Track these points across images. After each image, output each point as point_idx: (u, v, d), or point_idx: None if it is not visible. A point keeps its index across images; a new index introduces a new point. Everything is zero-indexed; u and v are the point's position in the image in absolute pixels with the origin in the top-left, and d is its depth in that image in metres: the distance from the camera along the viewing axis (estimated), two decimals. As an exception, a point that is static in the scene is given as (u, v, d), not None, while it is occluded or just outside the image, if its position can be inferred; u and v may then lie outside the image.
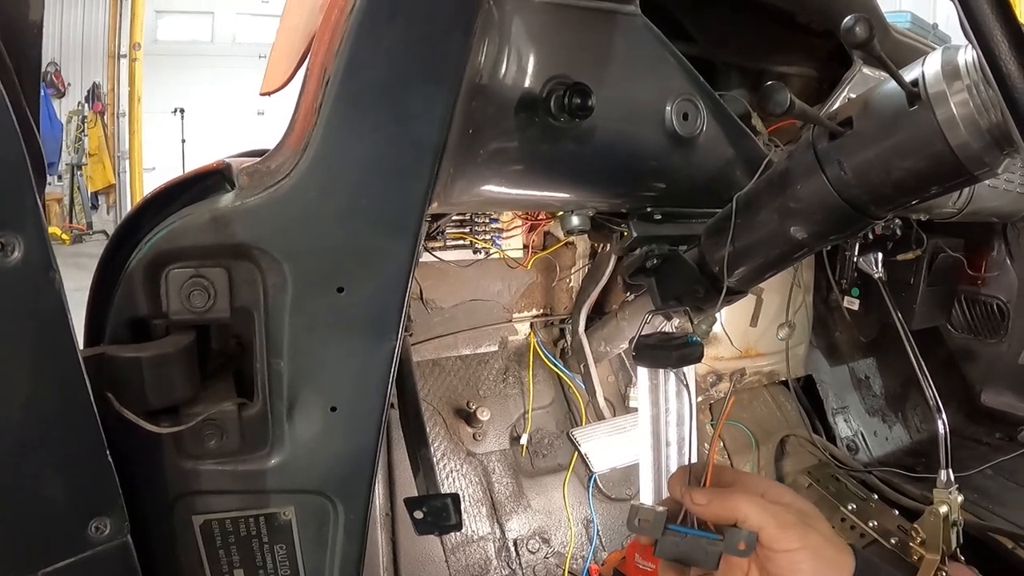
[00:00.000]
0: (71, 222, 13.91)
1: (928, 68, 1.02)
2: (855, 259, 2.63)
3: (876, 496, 2.51)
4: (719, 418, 2.54)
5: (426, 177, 1.03)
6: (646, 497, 1.36)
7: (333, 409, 1.11)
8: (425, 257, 2.12)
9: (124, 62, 13.74)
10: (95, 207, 14.60)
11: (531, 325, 2.55)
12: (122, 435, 0.95)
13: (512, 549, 2.30)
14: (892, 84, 1.05)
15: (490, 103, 1.22)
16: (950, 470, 2.06)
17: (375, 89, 0.99)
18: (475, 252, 2.25)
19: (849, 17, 0.93)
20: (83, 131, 14.11)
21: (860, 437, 3.05)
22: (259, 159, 1.06)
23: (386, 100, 1.00)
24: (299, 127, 1.03)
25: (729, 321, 2.58)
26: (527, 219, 2.26)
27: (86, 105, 14.20)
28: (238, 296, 1.04)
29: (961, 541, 2.04)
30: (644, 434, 1.34)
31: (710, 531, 1.04)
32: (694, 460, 1.25)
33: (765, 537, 0.97)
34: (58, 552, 0.90)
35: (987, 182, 2.11)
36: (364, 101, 0.99)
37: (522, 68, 1.24)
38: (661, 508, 1.09)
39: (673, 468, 1.30)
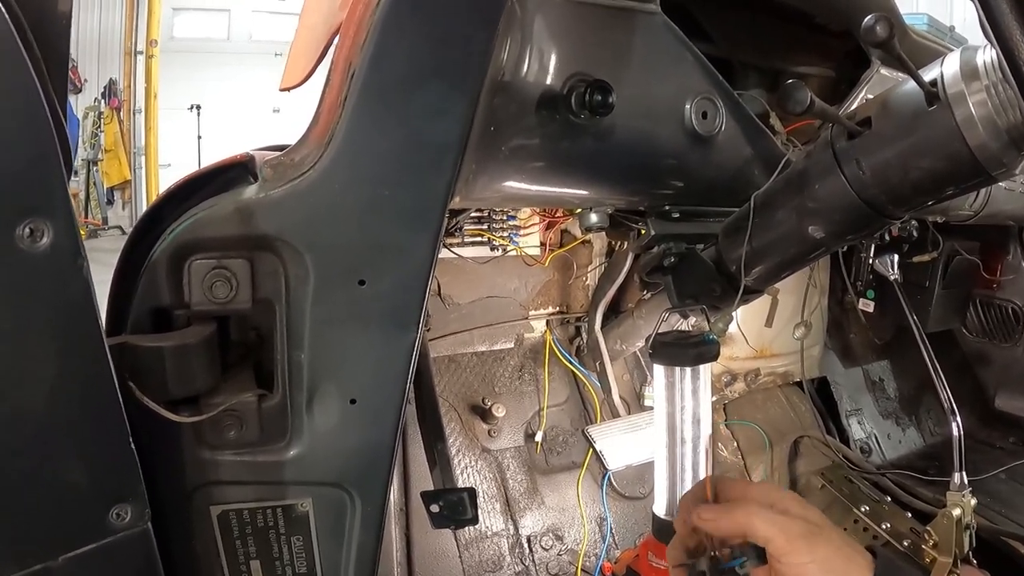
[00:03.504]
0: (87, 217, 13.96)
1: (947, 68, 1.02)
2: (871, 261, 2.63)
3: (889, 498, 2.50)
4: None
5: (448, 172, 1.04)
6: (660, 496, 1.36)
7: (352, 402, 1.11)
8: (443, 253, 2.11)
9: (141, 59, 13.80)
10: (111, 202, 14.68)
11: (547, 323, 2.56)
12: (142, 424, 0.95)
13: (526, 545, 2.31)
14: (911, 84, 1.05)
15: (512, 100, 1.23)
16: (963, 473, 2.05)
17: (400, 84, 1.00)
18: (492, 249, 2.25)
19: (870, 16, 0.93)
20: (99, 127, 14.19)
21: (874, 439, 3.04)
22: (282, 152, 1.06)
23: (410, 95, 1.00)
24: (323, 120, 1.04)
25: (744, 321, 2.59)
26: (545, 216, 2.26)
27: (102, 101, 14.27)
28: (260, 287, 1.05)
29: (974, 544, 2.03)
30: (660, 432, 1.34)
31: (735, 557, 1.01)
32: (708, 461, 1.25)
33: (773, 549, 0.94)
34: (79, 538, 0.91)
35: (1003, 185, 2.10)
36: (389, 95, 1.00)
37: (544, 65, 1.24)
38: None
39: (688, 467, 1.31)
